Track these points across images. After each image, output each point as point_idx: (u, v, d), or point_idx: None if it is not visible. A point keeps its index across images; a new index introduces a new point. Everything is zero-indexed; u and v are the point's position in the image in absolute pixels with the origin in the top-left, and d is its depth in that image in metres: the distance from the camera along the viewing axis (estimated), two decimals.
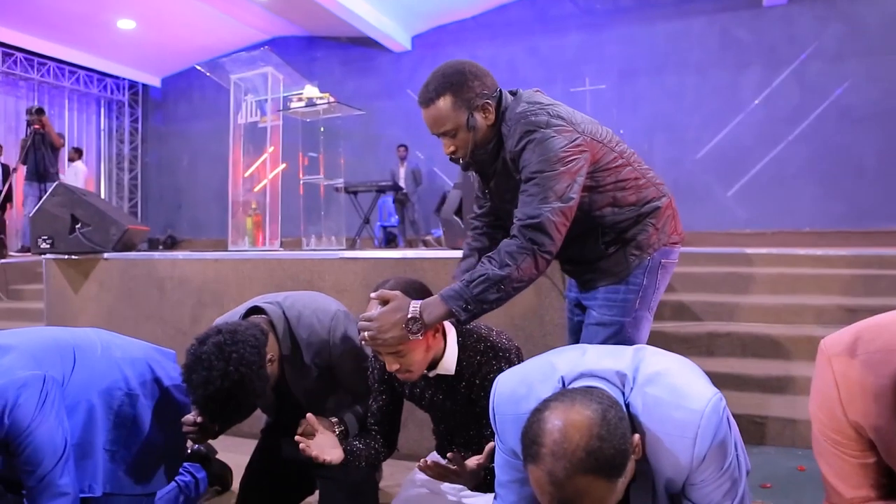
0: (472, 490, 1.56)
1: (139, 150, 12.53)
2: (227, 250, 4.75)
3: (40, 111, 7.76)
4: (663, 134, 8.29)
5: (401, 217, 8.91)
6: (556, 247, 1.58)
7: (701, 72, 8.29)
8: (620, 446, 1.03)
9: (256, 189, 5.13)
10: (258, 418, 2.12)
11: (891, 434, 1.05)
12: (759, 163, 7.96)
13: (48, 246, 3.74)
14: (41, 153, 7.57)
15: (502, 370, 1.44)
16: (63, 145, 8.54)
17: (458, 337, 1.64)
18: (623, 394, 1.17)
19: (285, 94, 5.13)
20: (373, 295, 1.55)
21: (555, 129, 1.59)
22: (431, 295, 1.57)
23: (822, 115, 7.68)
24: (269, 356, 1.72)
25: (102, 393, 1.81)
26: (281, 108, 5.13)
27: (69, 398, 1.73)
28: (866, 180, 7.41)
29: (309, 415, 1.63)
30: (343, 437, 1.72)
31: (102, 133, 12.24)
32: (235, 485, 2.31)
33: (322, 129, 5.38)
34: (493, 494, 1.38)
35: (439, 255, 3.01)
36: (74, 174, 8.98)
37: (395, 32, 9.75)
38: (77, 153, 9.51)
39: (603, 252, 1.74)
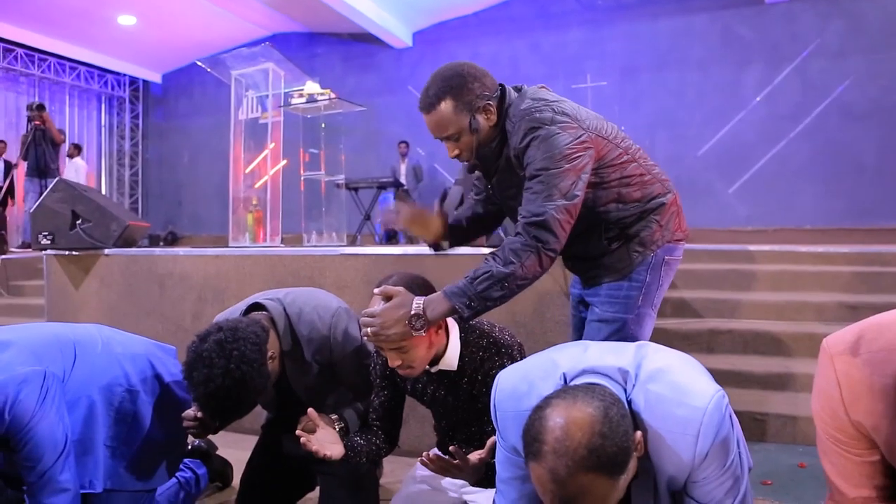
0: (473, 485, 1.56)
1: (140, 147, 12.53)
2: (227, 246, 4.74)
3: (41, 107, 7.75)
4: (665, 131, 8.28)
5: None
6: (561, 244, 1.57)
7: (703, 69, 8.27)
8: (622, 444, 1.03)
9: (257, 185, 5.12)
10: (259, 414, 2.12)
11: (893, 434, 1.04)
12: (760, 160, 7.95)
13: (49, 242, 3.74)
14: (42, 149, 7.56)
15: (505, 366, 1.44)
16: (64, 141, 8.52)
17: (460, 333, 1.64)
18: (625, 391, 1.16)
19: (286, 91, 5.11)
20: (376, 290, 1.55)
21: (559, 126, 1.58)
22: (434, 291, 1.57)
23: (824, 113, 7.66)
24: (269, 353, 1.72)
25: (103, 389, 1.81)
26: (282, 104, 5.11)
27: (70, 394, 1.73)
28: (868, 177, 7.40)
29: (310, 410, 1.62)
30: (343, 434, 1.72)
31: (103, 129, 12.24)
32: (236, 481, 2.31)
33: (323, 126, 5.36)
34: (493, 490, 1.38)
35: (440, 252, 3.00)
36: (75, 171, 8.96)
37: (396, 29, 9.73)
38: (76, 149, 9.48)
39: (606, 248, 1.74)
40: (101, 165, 12.19)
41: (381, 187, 7.79)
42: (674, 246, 1.77)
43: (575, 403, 1.05)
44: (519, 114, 1.64)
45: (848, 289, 3.94)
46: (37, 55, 10.53)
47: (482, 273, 1.52)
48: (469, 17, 9.61)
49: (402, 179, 8.87)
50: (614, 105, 7.88)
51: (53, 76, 10.92)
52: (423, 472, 1.81)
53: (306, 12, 9.62)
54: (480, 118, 1.66)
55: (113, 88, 12.11)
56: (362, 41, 10.09)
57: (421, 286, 1.60)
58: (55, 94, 11.22)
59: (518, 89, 1.72)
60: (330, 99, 5.08)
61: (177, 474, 2.17)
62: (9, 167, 8.29)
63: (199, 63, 5.35)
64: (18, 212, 9.09)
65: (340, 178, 5.62)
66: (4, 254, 7.12)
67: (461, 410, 1.70)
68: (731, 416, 1.16)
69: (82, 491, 1.74)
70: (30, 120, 7.65)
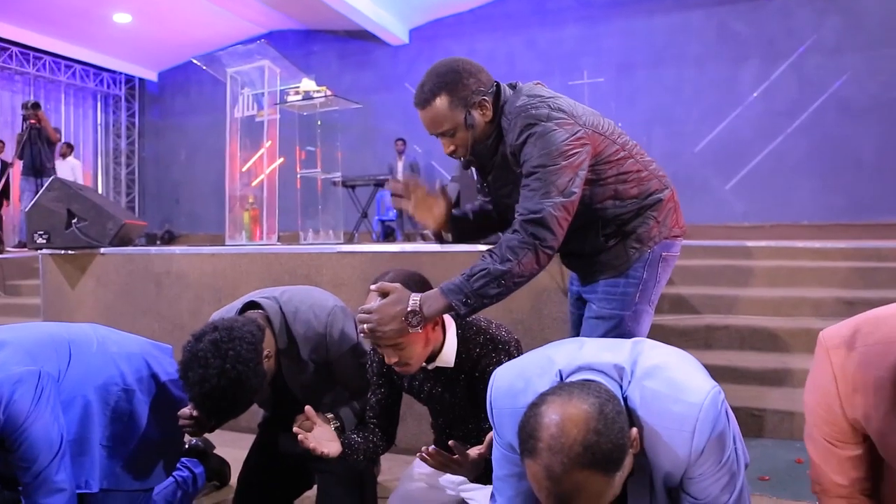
0: (472, 481, 1.56)
1: (136, 145, 12.49)
2: (224, 245, 4.74)
3: (36, 106, 7.71)
4: (662, 127, 8.28)
5: (399, 211, 8.89)
6: (558, 241, 1.57)
7: (699, 65, 8.27)
8: (618, 440, 1.03)
9: (254, 183, 5.11)
10: (256, 413, 2.12)
11: (888, 428, 1.05)
12: (757, 156, 7.95)
13: (44, 241, 3.73)
14: (37, 148, 7.53)
15: (502, 363, 1.44)
16: (60, 140, 8.48)
17: (457, 330, 1.64)
18: (621, 387, 1.16)
19: (282, 88, 5.11)
20: (372, 287, 1.55)
21: (556, 123, 1.58)
22: (431, 288, 1.56)
23: (821, 108, 7.67)
24: (265, 352, 1.72)
25: (98, 388, 1.81)
26: (278, 101, 5.11)
27: (65, 394, 1.72)
28: (865, 173, 7.40)
29: (307, 408, 1.62)
30: (339, 433, 1.71)
31: (99, 128, 12.20)
32: (233, 480, 2.31)
33: (319, 123, 5.36)
34: (491, 487, 1.38)
35: (437, 249, 3.00)
36: (71, 170, 8.90)
37: (392, 26, 9.71)
38: (69, 148, 9.37)
39: (603, 245, 1.73)
40: (97, 164, 12.15)
41: (378, 185, 7.77)
42: (671, 242, 1.77)
43: (570, 400, 1.04)
44: (515, 110, 1.63)
45: (845, 284, 3.95)
46: (32, 53, 10.49)
47: (479, 270, 1.52)
48: (465, 14, 9.60)
49: (399, 177, 8.85)
50: (611, 102, 7.88)
51: (49, 74, 10.88)
52: (420, 469, 1.81)
53: (303, 10, 9.60)
54: (476, 114, 1.65)
55: (109, 87, 12.07)
56: (359, 38, 10.07)
57: (418, 283, 1.59)
58: (51, 93, 11.18)
59: (513, 86, 1.71)
60: (326, 96, 5.07)
61: (174, 473, 2.16)
62: (4, 166, 8.26)
63: (195, 61, 5.34)
64: (14, 211, 9.07)
65: (337, 176, 5.61)
66: (1, 253, 7.10)
67: (458, 407, 1.70)
68: (727, 412, 1.16)
69: (78, 491, 1.74)
70: (25, 119, 7.61)
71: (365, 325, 1.49)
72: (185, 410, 1.76)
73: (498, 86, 1.70)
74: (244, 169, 5.13)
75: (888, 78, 7.32)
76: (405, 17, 9.82)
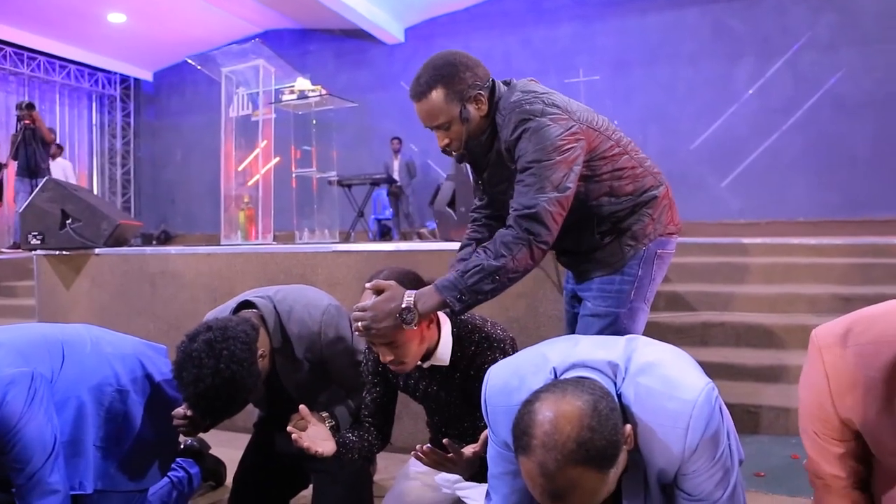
0: (467, 480, 1.56)
1: (132, 145, 12.44)
2: (219, 245, 4.72)
3: (30, 106, 7.68)
4: (657, 125, 8.28)
5: (395, 210, 8.89)
6: (553, 237, 1.56)
7: (694, 63, 8.28)
8: (612, 437, 1.03)
9: (249, 183, 5.10)
10: (251, 412, 2.11)
11: (880, 426, 1.05)
12: (752, 153, 7.96)
13: (38, 242, 3.71)
14: (32, 148, 7.49)
15: (497, 361, 1.44)
16: (54, 140, 8.44)
17: (452, 328, 1.63)
18: (615, 384, 1.16)
19: (277, 87, 5.09)
20: (367, 285, 1.54)
21: (550, 118, 1.57)
22: (426, 285, 1.56)
23: (816, 105, 7.68)
24: (260, 352, 1.71)
25: (92, 389, 1.80)
26: (273, 101, 5.09)
27: (58, 395, 1.72)
28: (860, 170, 7.41)
29: (301, 406, 1.62)
30: (334, 432, 1.71)
31: (94, 128, 12.16)
32: (229, 480, 2.31)
33: (314, 122, 5.34)
34: (486, 485, 1.38)
35: (433, 248, 3.00)
36: (62, 171, 8.84)
37: (388, 24, 9.70)
38: (59, 149, 9.21)
39: (598, 243, 1.73)
40: (92, 165, 12.11)
41: (375, 184, 7.79)
42: (666, 239, 1.76)
43: (564, 397, 1.04)
44: (509, 106, 1.63)
45: (840, 281, 3.95)
46: (26, 54, 10.44)
47: (473, 266, 1.51)
48: (460, 13, 9.59)
49: (396, 176, 8.86)
50: (606, 99, 7.88)
51: (43, 75, 10.83)
52: (416, 468, 1.81)
53: (298, 9, 9.58)
54: (471, 108, 1.65)
55: (104, 87, 12.03)
56: (354, 37, 10.06)
57: (412, 281, 1.59)
58: (45, 93, 11.13)
59: (507, 83, 1.71)
60: (321, 95, 5.06)
61: (169, 474, 2.15)
62: None
63: (189, 60, 5.32)
64: (9, 212, 9.02)
65: (332, 175, 5.60)
66: None
67: (454, 406, 1.70)
68: (721, 409, 1.16)
69: (72, 492, 1.73)
70: (19, 119, 7.58)
71: (360, 323, 1.48)
72: (180, 410, 1.76)
73: (493, 82, 1.70)
74: (239, 168, 5.11)
75: (883, 74, 7.33)
76: (400, 16, 9.81)
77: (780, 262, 4.25)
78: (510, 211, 1.58)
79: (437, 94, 1.63)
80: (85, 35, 10.34)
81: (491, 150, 1.71)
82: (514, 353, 1.59)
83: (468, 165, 1.88)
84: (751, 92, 7.99)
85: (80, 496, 1.76)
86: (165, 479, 2.12)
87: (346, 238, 6.40)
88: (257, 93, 5.03)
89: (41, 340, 1.77)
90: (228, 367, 1.58)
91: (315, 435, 1.60)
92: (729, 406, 1.26)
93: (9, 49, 10.19)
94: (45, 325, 1.93)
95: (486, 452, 1.38)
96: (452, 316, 1.62)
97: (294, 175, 5.31)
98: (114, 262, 3.67)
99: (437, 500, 1.81)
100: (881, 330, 1.05)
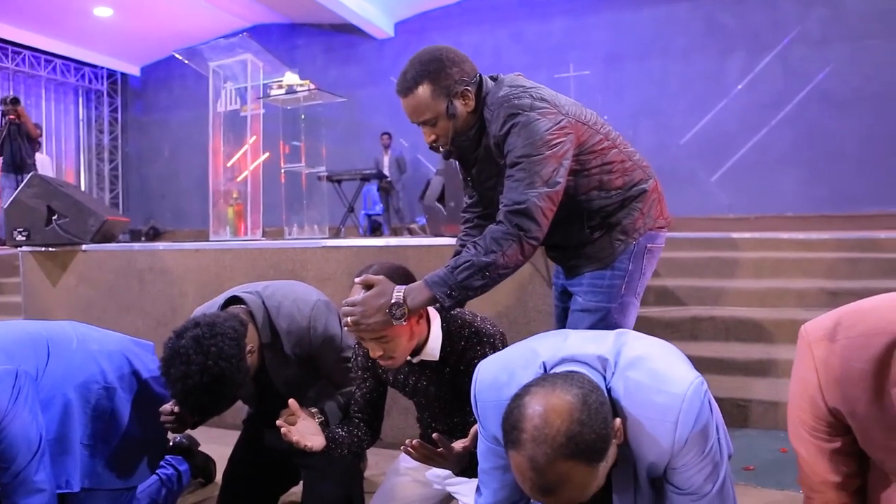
0: (457, 475, 1.55)
1: (119, 140, 12.34)
2: (208, 241, 4.69)
3: (15, 101, 7.58)
4: (648, 120, 8.31)
5: (385, 205, 8.87)
6: (543, 232, 1.56)
7: (685, 57, 8.30)
8: (601, 431, 1.02)
9: (238, 179, 5.07)
10: (240, 409, 2.10)
11: (869, 420, 1.05)
12: (742, 148, 8.00)
13: (24, 238, 3.67)
14: (17, 144, 7.41)
15: (487, 356, 1.43)
16: (40, 136, 8.34)
17: (442, 323, 1.63)
18: (605, 378, 1.16)
19: (265, 82, 5.06)
20: (357, 280, 1.53)
21: (539, 112, 1.57)
22: (416, 281, 1.55)
23: (806, 100, 7.72)
24: (248, 347, 1.70)
25: (79, 387, 1.77)
26: (261, 95, 5.06)
27: (44, 392, 1.69)
28: (849, 164, 7.47)
29: (291, 401, 1.61)
30: (323, 427, 1.70)
31: (81, 123, 12.04)
32: (219, 476, 2.29)
33: (303, 117, 5.31)
34: (476, 480, 1.37)
35: (423, 243, 2.99)
36: (40, 165, 8.71)
37: (377, 19, 9.65)
38: (37, 144, 9.14)
39: (588, 237, 1.73)
40: (79, 160, 11.99)
41: (365, 179, 7.75)
42: (656, 233, 1.77)
43: (553, 391, 1.04)
44: (497, 101, 1.62)
45: (829, 275, 3.98)
46: (10, 48, 10.32)
47: (463, 262, 1.51)
48: (451, 7, 9.56)
49: (386, 171, 8.83)
50: (597, 94, 7.88)
51: (28, 69, 10.71)
52: (406, 463, 1.80)
53: (287, 3, 9.53)
54: (458, 104, 1.64)
55: (90, 81, 11.91)
56: (344, 32, 10.00)
57: (402, 276, 1.58)
58: (30, 88, 11.01)
59: (494, 78, 1.71)
60: (310, 90, 5.03)
61: (158, 471, 2.14)
62: None
63: (177, 55, 5.27)
64: None
65: (322, 171, 5.57)
66: None
67: (443, 401, 1.69)
68: (710, 403, 1.16)
69: (59, 491, 1.71)
70: (4, 114, 7.48)
71: (349, 318, 1.47)
72: (167, 407, 1.74)
73: (480, 77, 1.69)
74: (228, 164, 5.08)
75: (872, 69, 7.37)
76: (390, 11, 9.76)
77: (769, 257, 4.27)
78: (500, 206, 1.57)
79: (423, 90, 1.62)
80: (71, 29, 10.23)
81: (479, 146, 1.71)
82: (503, 348, 1.58)
83: (457, 161, 1.87)
84: (740, 87, 8.03)
85: (66, 495, 1.74)
86: (154, 476, 2.10)
87: (336, 234, 6.37)
88: (245, 87, 5.00)
89: (26, 338, 1.74)
90: (217, 364, 1.56)
91: (304, 429, 1.59)
92: (718, 400, 1.27)
93: None
94: (29, 323, 1.91)
95: (476, 447, 1.38)
96: (442, 311, 1.61)
97: (283, 170, 5.28)
98: (101, 259, 3.63)
99: (428, 495, 1.80)
100: (870, 323, 1.06)
